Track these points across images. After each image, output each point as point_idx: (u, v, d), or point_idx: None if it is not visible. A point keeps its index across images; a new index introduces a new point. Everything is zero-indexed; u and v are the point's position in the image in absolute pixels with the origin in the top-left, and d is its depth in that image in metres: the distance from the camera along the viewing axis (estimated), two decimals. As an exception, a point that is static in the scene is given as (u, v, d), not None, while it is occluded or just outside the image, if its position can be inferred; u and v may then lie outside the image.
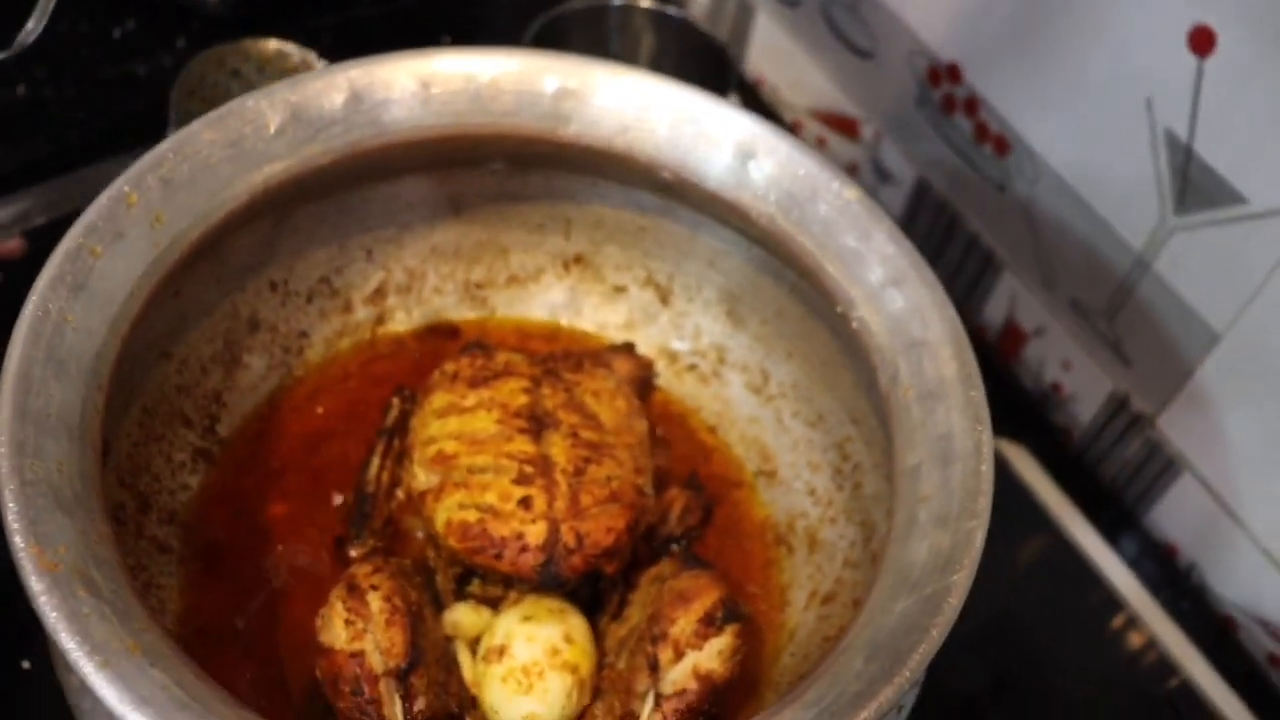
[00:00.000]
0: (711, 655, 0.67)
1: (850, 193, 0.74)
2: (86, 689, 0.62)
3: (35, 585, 0.55)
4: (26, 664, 0.79)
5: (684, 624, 0.67)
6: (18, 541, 0.56)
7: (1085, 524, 0.99)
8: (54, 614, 0.55)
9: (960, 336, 0.70)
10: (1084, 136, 0.94)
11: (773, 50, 1.24)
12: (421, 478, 0.72)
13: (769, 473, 0.84)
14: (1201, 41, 0.82)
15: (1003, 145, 1.01)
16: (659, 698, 0.67)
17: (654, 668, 0.67)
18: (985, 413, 0.67)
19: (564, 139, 0.78)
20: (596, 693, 0.70)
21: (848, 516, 0.78)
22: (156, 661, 0.55)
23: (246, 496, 0.79)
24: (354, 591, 0.66)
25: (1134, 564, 0.98)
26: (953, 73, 1.03)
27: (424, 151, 0.79)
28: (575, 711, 0.69)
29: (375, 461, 0.78)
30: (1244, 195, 0.82)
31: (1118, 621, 0.94)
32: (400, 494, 0.78)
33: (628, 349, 0.86)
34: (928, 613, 0.60)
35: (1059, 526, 0.98)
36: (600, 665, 0.71)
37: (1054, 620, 0.94)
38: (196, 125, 0.72)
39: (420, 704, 0.65)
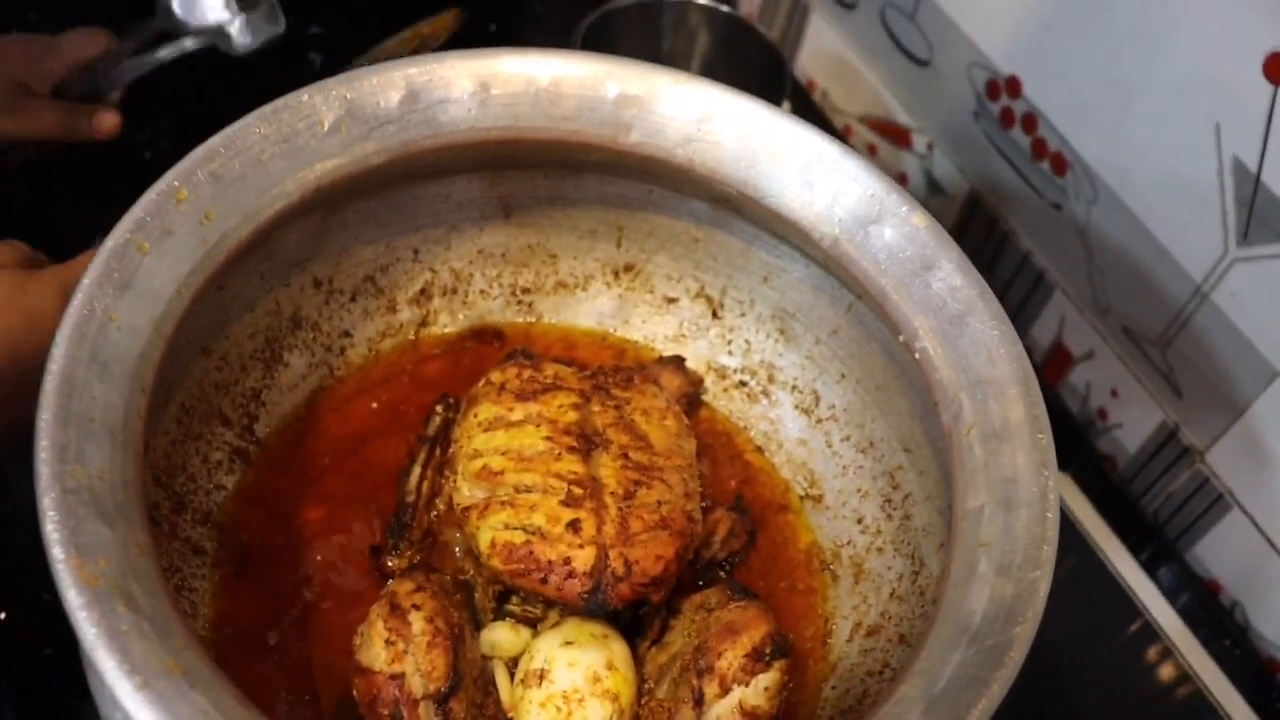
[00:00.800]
0: (758, 692, 0.65)
1: (918, 218, 0.72)
2: (120, 705, 0.61)
3: (74, 600, 0.53)
4: (48, 650, 0.77)
5: (731, 658, 0.66)
6: (57, 553, 0.54)
7: (1126, 555, 0.97)
8: (93, 631, 0.53)
9: (1028, 375, 0.68)
10: (1146, 159, 0.91)
11: (826, 53, 1.21)
12: (465, 492, 0.70)
13: (816, 497, 0.82)
14: (1278, 68, 0.79)
15: (1060, 163, 0.98)
16: (702, 733, 0.65)
17: (699, 701, 0.65)
18: (1052, 458, 0.65)
19: (624, 147, 0.76)
20: (636, 721, 0.68)
21: (896, 548, 0.77)
22: (196, 683, 0.53)
23: (283, 499, 0.77)
24: (396, 611, 0.65)
25: (1174, 599, 0.96)
26: (1012, 86, 1.00)
27: (479, 153, 0.76)
28: (614, 741, 0.67)
29: (416, 470, 0.77)
30: (1315, 232, 0.80)
31: (1154, 655, 0.93)
32: (440, 505, 0.76)
33: (677, 362, 0.84)
34: (988, 665, 0.58)
35: (1099, 556, 0.96)
36: (640, 693, 0.69)
37: (1090, 651, 0.93)
38: (250, 119, 0.70)
39: (458, 729, 0.64)
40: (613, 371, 0.79)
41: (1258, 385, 0.88)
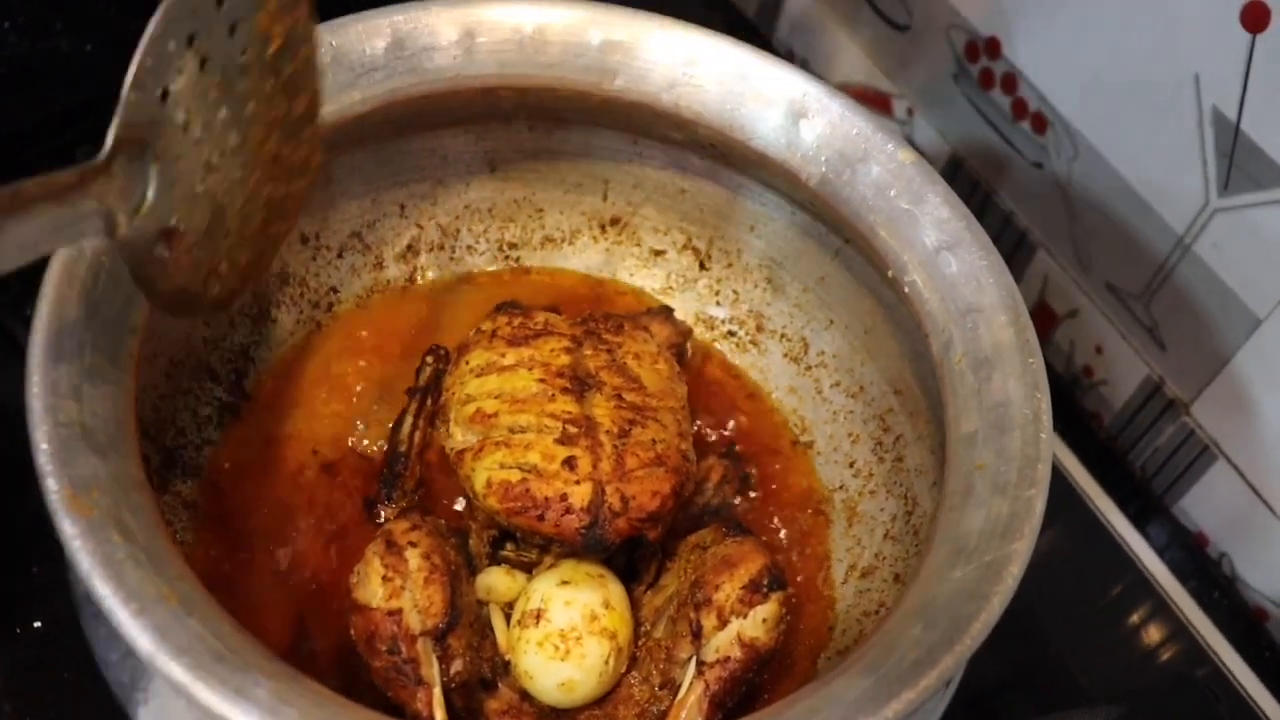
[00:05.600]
0: (756, 623, 0.65)
1: (904, 155, 0.73)
2: (115, 639, 0.60)
3: (69, 530, 0.53)
4: (38, 624, 0.77)
5: (728, 590, 0.66)
6: (50, 484, 0.54)
7: (1115, 510, 0.98)
8: (88, 559, 0.53)
9: (1017, 302, 0.68)
10: (1126, 114, 0.92)
11: (804, 21, 1.22)
12: (459, 436, 0.70)
13: (807, 443, 0.82)
14: (1255, 17, 0.80)
15: (1041, 122, 0.99)
16: (701, 665, 0.65)
17: (697, 634, 0.65)
18: (1044, 381, 0.66)
19: (610, 93, 0.76)
20: (633, 662, 0.68)
21: (888, 489, 0.77)
22: (193, 610, 0.53)
23: (273, 453, 0.76)
24: (392, 548, 0.64)
25: (1163, 552, 0.96)
26: (992, 47, 1.01)
27: (465, 103, 0.77)
28: (612, 679, 0.67)
29: (408, 420, 0.76)
30: (1294, 176, 0.81)
31: (1146, 609, 0.93)
32: (432, 455, 0.75)
33: (666, 313, 0.84)
34: (987, 580, 0.58)
35: (1088, 512, 0.96)
36: (637, 634, 0.69)
37: (1081, 606, 0.93)
38: (237, 65, 0.69)
39: (457, 665, 0.63)
40: (603, 318, 0.79)
41: (1240, 334, 0.89)
